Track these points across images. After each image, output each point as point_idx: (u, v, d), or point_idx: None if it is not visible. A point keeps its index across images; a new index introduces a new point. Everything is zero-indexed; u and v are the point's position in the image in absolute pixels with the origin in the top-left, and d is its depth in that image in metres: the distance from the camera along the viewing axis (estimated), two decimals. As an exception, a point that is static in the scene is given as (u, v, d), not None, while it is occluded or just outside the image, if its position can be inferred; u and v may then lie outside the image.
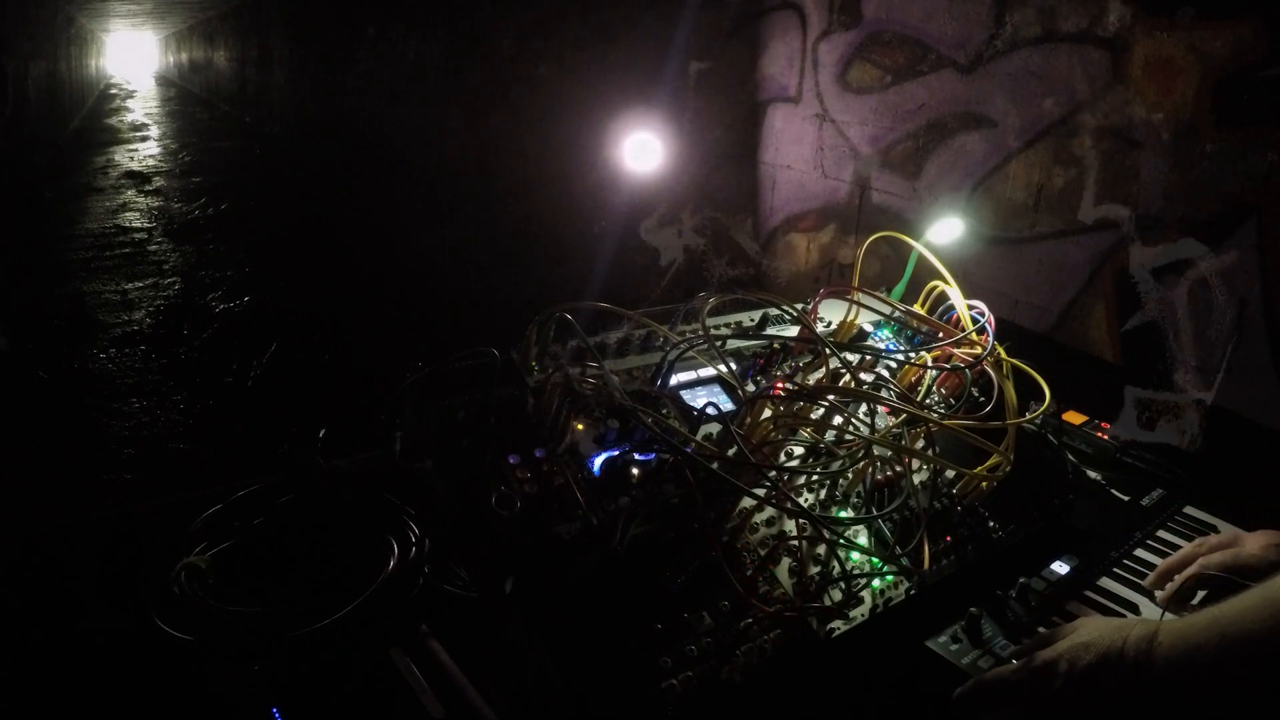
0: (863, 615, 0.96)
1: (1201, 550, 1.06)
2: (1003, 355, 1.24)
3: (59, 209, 8.33)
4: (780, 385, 1.11)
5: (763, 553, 0.95)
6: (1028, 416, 1.17)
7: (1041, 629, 0.97)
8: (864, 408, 1.17)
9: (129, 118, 17.86)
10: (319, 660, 0.81)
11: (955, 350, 1.28)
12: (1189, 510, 1.33)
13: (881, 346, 1.37)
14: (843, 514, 1.06)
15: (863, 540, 1.03)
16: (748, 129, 3.76)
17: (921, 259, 1.40)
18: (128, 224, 7.87)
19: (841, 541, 0.99)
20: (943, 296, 1.35)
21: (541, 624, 0.81)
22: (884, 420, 1.19)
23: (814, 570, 0.97)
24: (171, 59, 30.73)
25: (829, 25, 3.24)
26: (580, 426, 0.99)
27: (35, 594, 0.92)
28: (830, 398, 1.10)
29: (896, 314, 1.38)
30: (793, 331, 1.31)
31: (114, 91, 25.51)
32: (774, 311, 1.32)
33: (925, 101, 2.86)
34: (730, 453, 0.98)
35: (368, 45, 8.73)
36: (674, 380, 1.13)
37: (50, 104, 11.48)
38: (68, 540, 0.99)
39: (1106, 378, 2.30)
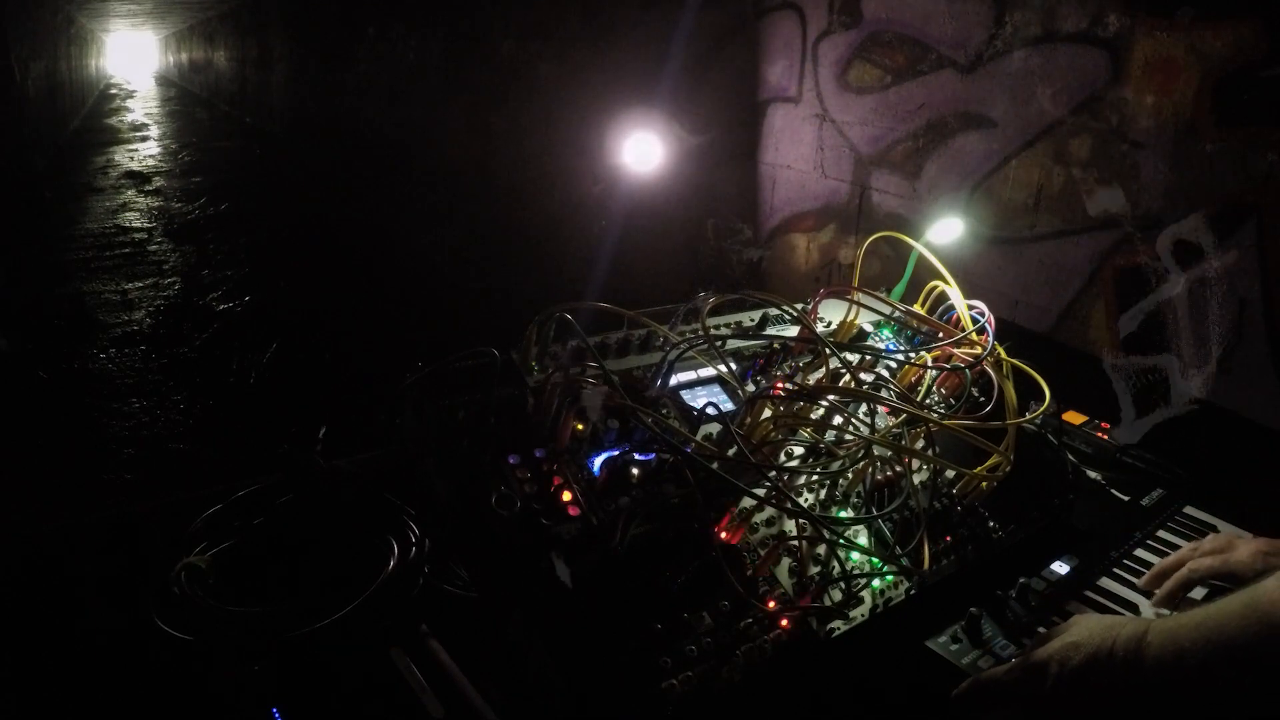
0: (863, 615, 0.96)
1: (1196, 555, 1.07)
2: (1003, 355, 1.24)
3: (59, 209, 8.33)
4: (780, 385, 1.11)
5: (763, 552, 0.95)
6: (1028, 416, 1.17)
7: (1041, 629, 0.97)
8: (864, 408, 1.17)
9: (129, 118, 17.87)
10: (319, 660, 0.81)
11: (955, 350, 1.28)
12: (1189, 510, 1.33)
13: (881, 346, 1.37)
14: (843, 514, 1.06)
15: (863, 540, 1.03)
16: (748, 129, 3.76)
17: (921, 259, 1.40)
18: (128, 224, 7.87)
19: (841, 542, 0.99)
20: (943, 296, 1.35)
21: (541, 624, 0.81)
22: (884, 420, 1.19)
23: (814, 570, 0.97)
24: (171, 59, 30.73)
25: (829, 25, 3.24)
26: (580, 426, 0.99)
27: (35, 594, 0.92)
28: (830, 398, 1.10)
29: (896, 314, 1.38)
30: (793, 331, 1.31)
31: (114, 91, 25.51)
32: (774, 311, 1.32)
33: (925, 101, 2.86)
34: (730, 453, 0.98)
35: (368, 45, 8.73)
36: (674, 380, 1.13)
37: (50, 104, 11.48)
38: (68, 540, 0.99)
39: (1106, 378, 2.30)
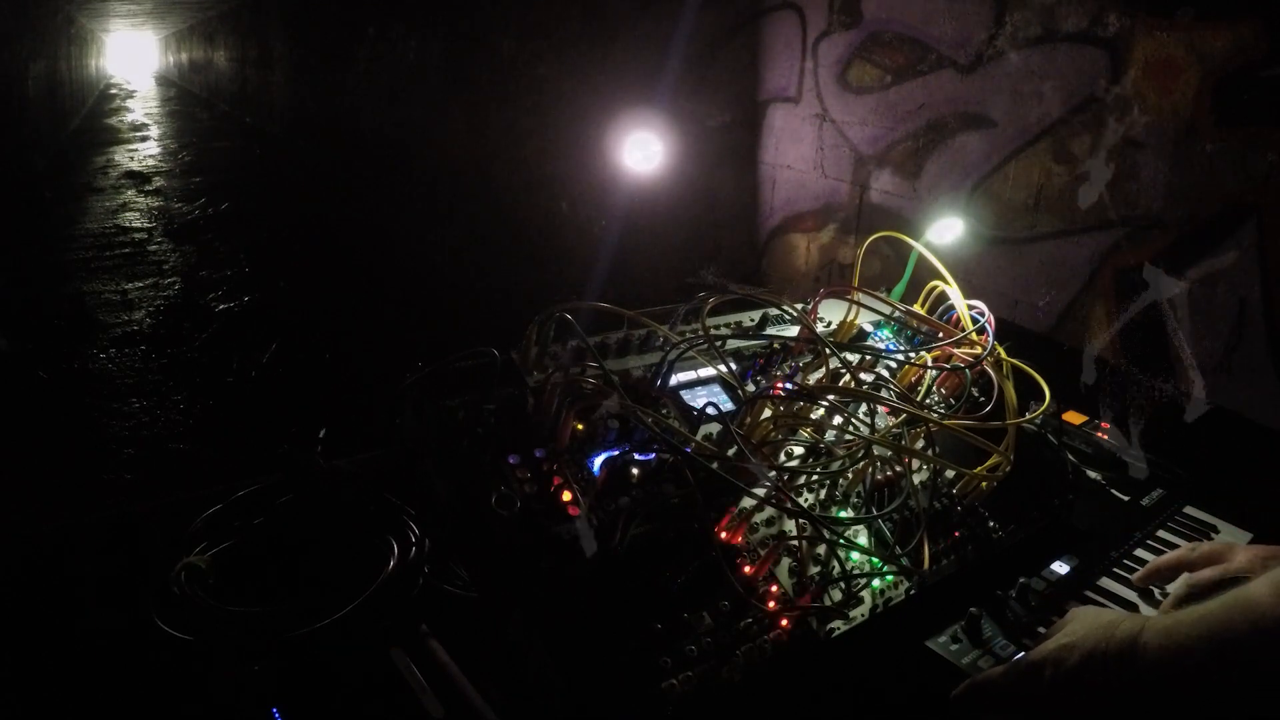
0: (863, 615, 0.96)
1: (1193, 556, 1.06)
2: (1003, 355, 1.24)
3: (59, 209, 8.33)
4: (780, 385, 1.11)
5: (763, 552, 0.95)
6: (1028, 416, 1.17)
7: (1042, 629, 0.97)
8: (864, 408, 1.17)
9: (129, 118, 17.87)
10: (319, 660, 0.81)
11: (955, 350, 1.28)
12: (1189, 510, 1.33)
13: (881, 346, 1.37)
14: (843, 514, 1.06)
15: (863, 540, 1.04)
16: (748, 129, 3.76)
17: (921, 259, 1.40)
18: (128, 224, 7.87)
19: (841, 541, 0.99)
20: (943, 296, 1.35)
21: (541, 624, 0.81)
22: (884, 420, 1.19)
23: (814, 570, 0.97)
24: (171, 59, 30.73)
25: (829, 25, 3.24)
26: (580, 426, 0.99)
27: (35, 594, 0.92)
28: (830, 398, 1.10)
29: (896, 314, 1.38)
30: (793, 331, 1.30)
31: (114, 91, 25.51)
32: (774, 311, 1.32)
33: (925, 101, 2.86)
34: (730, 453, 0.98)
35: (368, 45, 8.73)
36: (674, 380, 1.13)
37: (50, 104, 11.48)
38: (68, 540, 0.99)
39: (1106, 378, 2.30)
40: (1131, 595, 1.10)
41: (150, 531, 1.00)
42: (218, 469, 3.44)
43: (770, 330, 1.31)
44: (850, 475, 1.08)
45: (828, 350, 1.15)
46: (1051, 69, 2.41)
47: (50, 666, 0.83)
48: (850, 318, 1.34)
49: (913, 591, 1.01)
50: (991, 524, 1.14)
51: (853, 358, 1.24)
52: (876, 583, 0.99)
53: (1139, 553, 1.20)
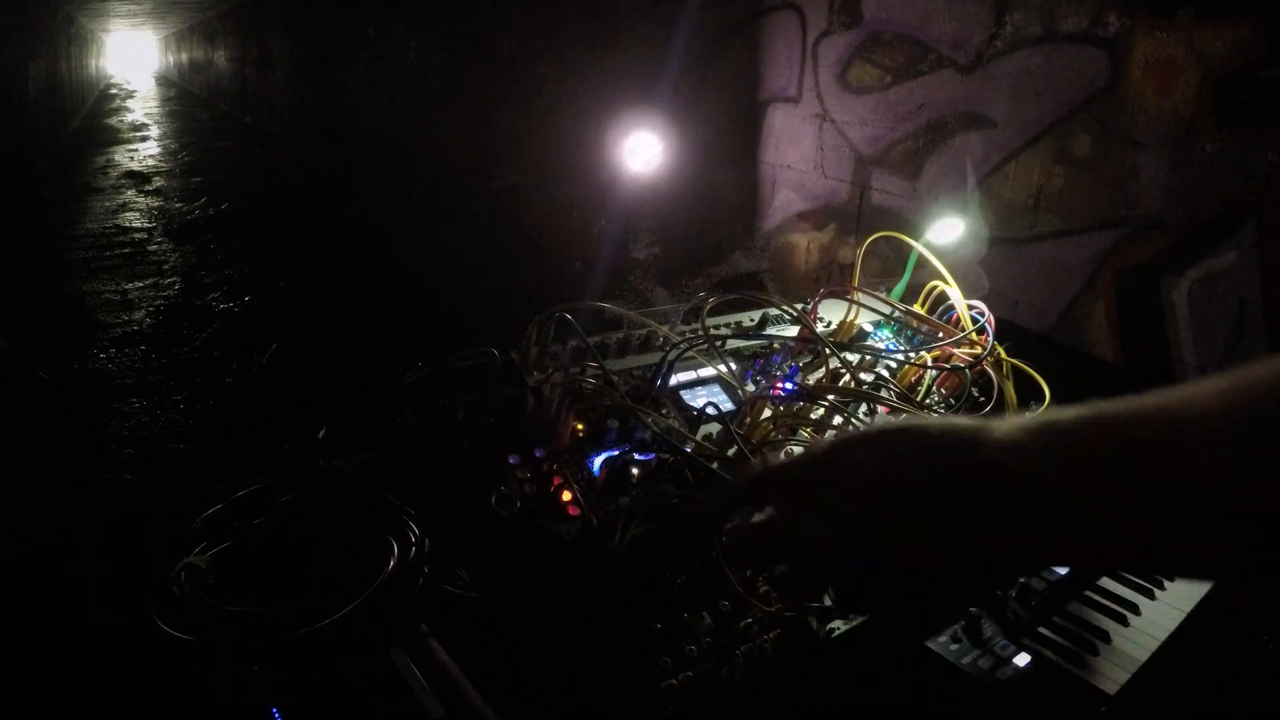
0: (863, 615, 0.96)
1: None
2: (1003, 355, 1.24)
3: (59, 209, 8.33)
4: (780, 385, 1.11)
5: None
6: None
7: (1042, 629, 0.97)
8: (864, 408, 1.17)
9: (129, 118, 17.87)
10: (319, 660, 0.81)
11: (955, 350, 1.28)
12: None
13: (881, 346, 1.37)
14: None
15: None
16: (748, 129, 3.76)
17: (921, 259, 1.40)
18: (128, 224, 7.87)
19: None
20: (943, 296, 1.35)
21: (541, 624, 0.81)
22: (883, 420, 1.19)
23: (814, 570, 0.97)
24: (171, 59, 30.75)
25: (829, 25, 3.24)
26: (580, 426, 0.99)
27: (35, 594, 0.92)
28: (830, 398, 1.10)
29: (896, 314, 1.38)
30: (793, 331, 1.31)
31: (114, 91, 25.52)
32: (774, 311, 1.32)
33: (925, 101, 2.86)
34: (730, 452, 0.98)
35: (367, 45, 8.73)
36: (674, 380, 1.13)
37: (50, 104, 11.49)
38: (68, 540, 0.99)
39: (1106, 378, 2.31)
40: (1133, 595, 1.10)
41: (150, 531, 1.00)
42: (218, 469, 3.44)
43: (770, 330, 1.31)
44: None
45: (828, 350, 1.15)
46: (1051, 69, 2.41)
47: (50, 666, 0.83)
48: (850, 318, 1.34)
49: (913, 591, 1.01)
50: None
51: (853, 358, 1.24)
52: (876, 583, 0.99)
53: (1139, 553, 1.19)
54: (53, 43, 11.96)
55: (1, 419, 3.76)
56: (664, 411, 1.05)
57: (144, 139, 14.32)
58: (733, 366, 1.08)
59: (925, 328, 1.37)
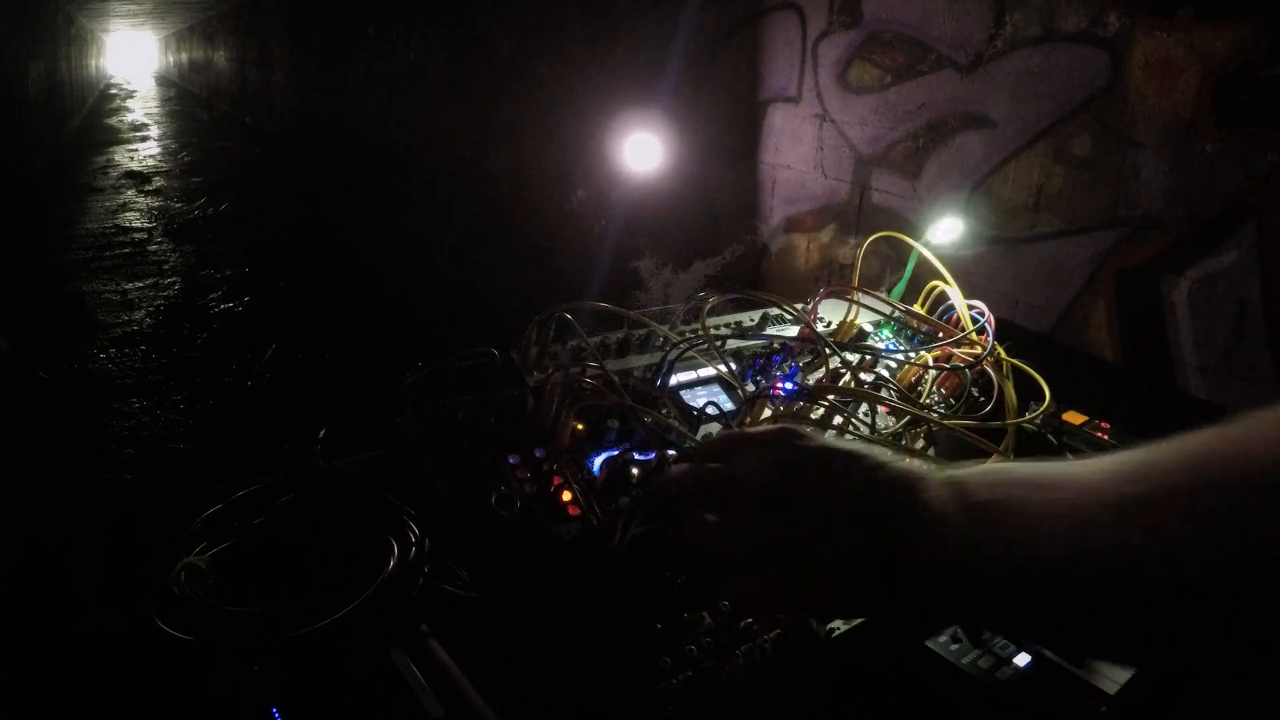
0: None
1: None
2: (1003, 355, 1.24)
3: (59, 209, 8.33)
4: (780, 385, 1.11)
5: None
6: (1028, 416, 1.17)
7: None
8: (864, 408, 1.17)
9: (129, 118, 17.87)
10: (319, 660, 0.81)
11: (955, 350, 1.28)
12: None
13: (881, 346, 1.37)
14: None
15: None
16: (748, 129, 3.76)
17: (921, 259, 1.40)
18: (128, 224, 7.87)
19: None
20: (943, 296, 1.35)
21: (541, 624, 0.81)
22: (884, 420, 1.19)
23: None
24: (171, 59, 30.74)
25: (829, 25, 3.24)
26: (580, 426, 0.99)
27: (35, 594, 0.92)
28: (830, 398, 1.10)
29: (896, 314, 1.38)
30: (793, 331, 1.31)
31: (114, 91, 25.52)
32: (774, 311, 1.32)
33: (925, 101, 2.86)
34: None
35: (368, 45, 8.73)
36: (674, 380, 1.13)
37: (50, 104, 11.49)
38: (68, 540, 0.99)
39: (1106, 377, 2.31)
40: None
41: (150, 531, 1.00)
42: (218, 469, 3.44)
43: (770, 330, 1.31)
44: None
45: (828, 350, 1.15)
46: (1051, 69, 2.41)
47: (50, 666, 0.83)
48: (850, 318, 1.35)
49: (913, 591, 1.01)
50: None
51: (853, 358, 1.24)
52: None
53: (1139, 553, 1.20)
54: (53, 43, 11.96)
55: (1, 419, 3.76)
56: (664, 411, 1.05)
57: (144, 139, 14.32)
58: (733, 366, 1.08)
59: (925, 328, 1.37)
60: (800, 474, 0.56)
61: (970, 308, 1.29)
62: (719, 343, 1.12)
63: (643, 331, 1.18)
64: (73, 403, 4.11)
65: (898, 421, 1.15)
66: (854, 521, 0.52)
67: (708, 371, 1.18)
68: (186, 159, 11.94)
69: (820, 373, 1.18)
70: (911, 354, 1.32)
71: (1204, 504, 0.43)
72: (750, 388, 1.16)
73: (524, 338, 1.06)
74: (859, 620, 0.96)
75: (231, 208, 8.48)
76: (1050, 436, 1.31)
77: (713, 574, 0.59)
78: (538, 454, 0.96)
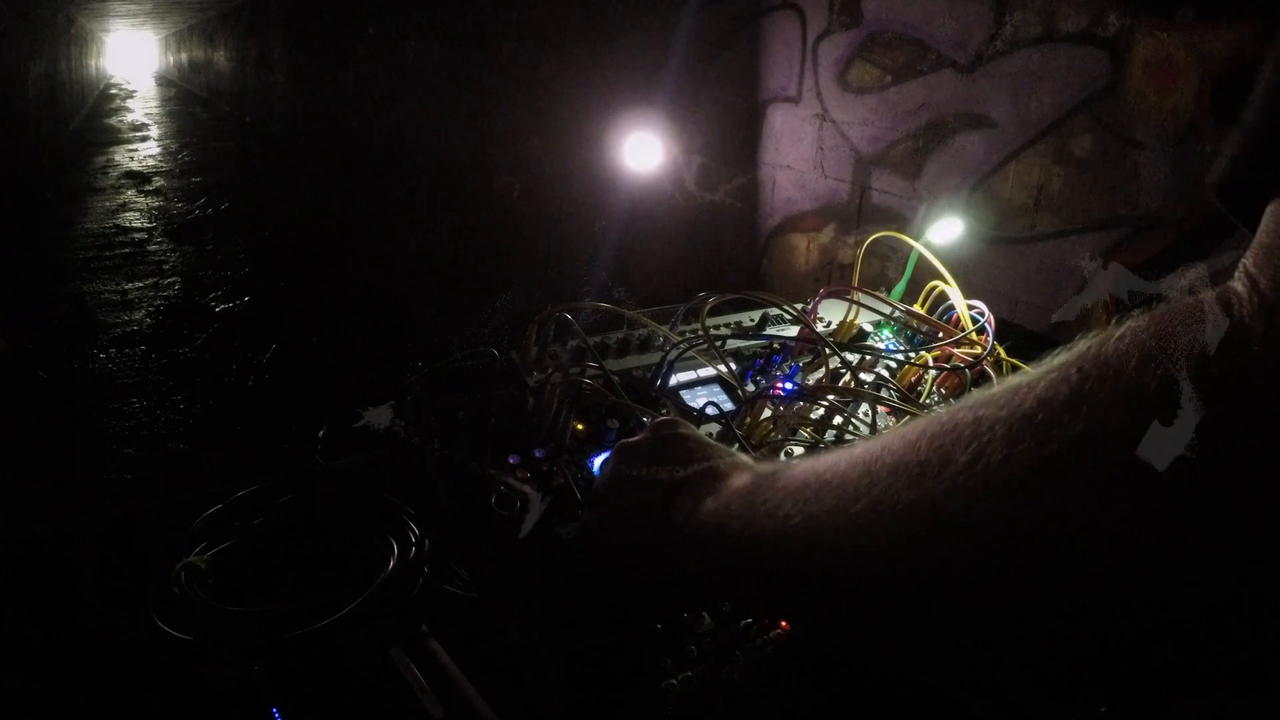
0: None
1: None
2: (1003, 355, 1.24)
3: (59, 209, 8.33)
4: (780, 385, 1.11)
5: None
6: (1028, 416, 1.16)
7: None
8: (864, 408, 1.17)
9: (129, 118, 17.87)
10: (319, 660, 0.81)
11: (955, 350, 1.28)
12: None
13: (881, 346, 1.37)
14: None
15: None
16: (748, 129, 3.76)
17: (921, 259, 1.40)
18: (128, 224, 7.87)
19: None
20: (943, 296, 1.35)
21: (541, 624, 0.81)
22: (884, 420, 1.19)
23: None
24: (171, 59, 30.74)
25: (829, 25, 3.24)
26: (580, 426, 0.99)
27: (35, 594, 0.92)
28: (830, 398, 1.10)
29: (896, 314, 1.38)
30: (793, 331, 1.31)
31: (114, 91, 25.52)
32: (774, 311, 1.32)
33: (925, 101, 2.86)
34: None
35: (367, 45, 8.74)
36: (674, 380, 1.13)
37: (50, 104, 11.48)
38: (68, 540, 0.99)
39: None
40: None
41: (150, 531, 1.00)
42: (218, 469, 3.44)
43: (770, 330, 1.31)
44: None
45: (828, 350, 1.15)
46: (1051, 69, 2.41)
47: (50, 667, 0.83)
48: (850, 318, 1.35)
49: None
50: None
51: (853, 358, 1.24)
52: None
53: (1139, 553, 1.20)
54: (53, 43, 11.96)
55: (1, 419, 3.76)
56: (664, 411, 1.05)
57: (144, 139, 14.32)
58: (733, 366, 1.08)
59: (925, 328, 1.37)
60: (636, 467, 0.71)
61: (970, 308, 1.29)
62: (719, 343, 1.12)
63: (643, 331, 1.18)
64: (73, 403, 4.11)
65: (898, 421, 1.15)
66: (635, 518, 0.68)
67: (708, 371, 1.18)
68: (186, 159, 11.94)
69: (820, 373, 1.18)
70: (911, 354, 1.32)
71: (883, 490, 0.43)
72: (750, 388, 1.16)
73: (524, 338, 1.06)
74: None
75: (231, 208, 8.48)
76: (1050, 436, 1.30)
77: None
78: (538, 454, 0.96)
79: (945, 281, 1.34)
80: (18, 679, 0.82)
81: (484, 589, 0.90)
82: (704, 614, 0.87)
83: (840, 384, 1.18)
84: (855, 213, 3.26)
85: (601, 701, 0.77)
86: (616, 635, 0.82)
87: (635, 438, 0.77)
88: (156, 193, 9.43)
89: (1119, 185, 2.27)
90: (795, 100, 3.48)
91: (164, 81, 31.24)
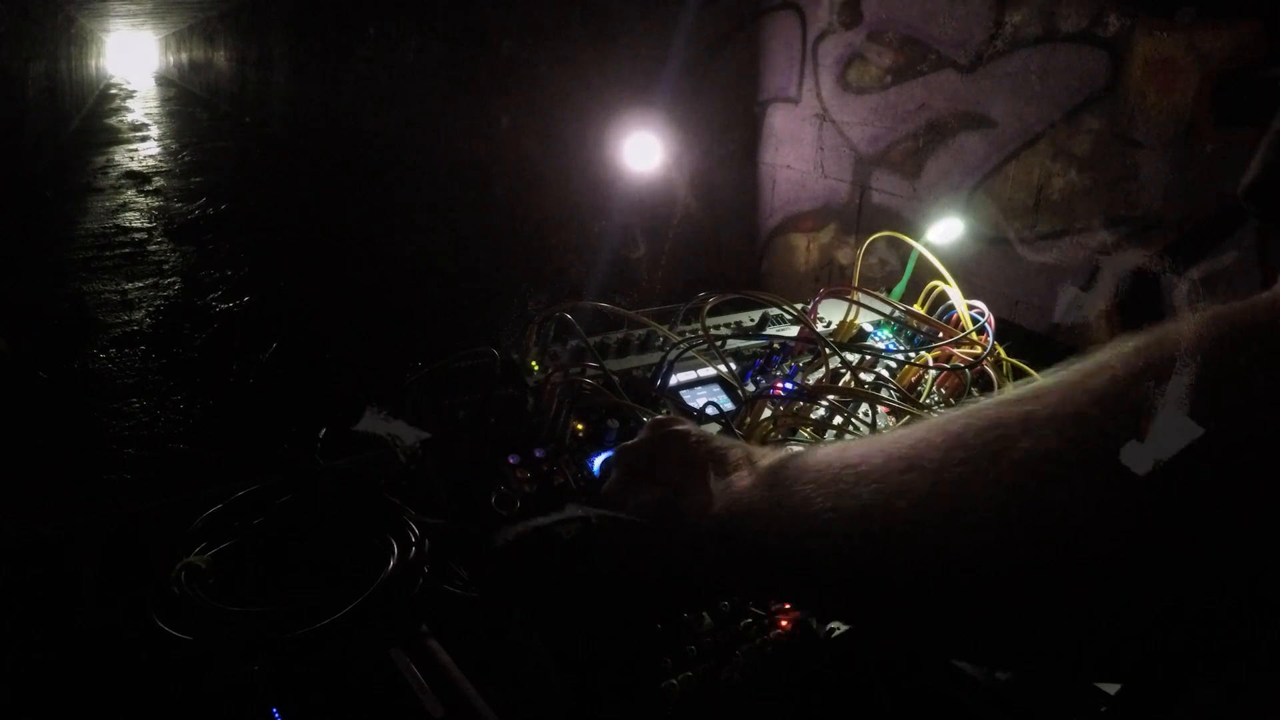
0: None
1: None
2: (1003, 355, 1.24)
3: (59, 209, 8.33)
4: (780, 385, 1.11)
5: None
6: (1028, 416, 1.16)
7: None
8: (864, 408, 1.17)
9: (129, 118, 17.86)
10: (319, 660, 0.81)
11: (955, 350, 1.28)
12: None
13: (881, 346, 1.37)
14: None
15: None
16: (748, 129, 3.76)
17: (921, 259, 1.40)
18: (128, 224, 7.87)
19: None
20: (943, 296, 1.35)
21: (541, 624, 0.81)
22: (884, 420, 1.19)
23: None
24: (171, 59, 30.73)
25: (829, 25, 3.24)
26: (580, 426, 0.99)
27: (35, 594, 0.92)
28: (830, 398, 1.10)
29: (896, 314, 1.38)
30: (793, 331, 1.31)
31: (114, 91, 25.51)
32: (774, 311, 1.32)
33: (925, 101, 2.86)
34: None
35: (368, 45, 8.74)
36: (674, 380, 1.13)
37: (50, 104, 11.48)
38: (68, 540, 0.99)
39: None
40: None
41: (150, 531, 1.00)
42: (218, 469, 3.44)
43: (770, 330, 1.31)
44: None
45: (828, 350, 1.15)
46: (1051, 69, 2.41)
47: (50, 667, 0.83)
48: (850, 318, 1.35)
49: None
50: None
51: (853, 358, 1.24)
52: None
53: (1139, 553, 1.20)
54: (53, 43, 11.95)
55: (1, 419, 3.76)
56: (664, 411, 1.05)
57: (144, 139, 14.32)
58: (733, 366, 1.08)
59: (925, 328, 1.37)
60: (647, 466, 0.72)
61: (970, 308, 1.29)
62: (719, 343, 1.12)
63: (643, 331, 1.18)
64: (73, 403, 4.11)
65: (898, 422, 1.15)
66: (646, 517, 0.68)
67: (708, 371, 1.18)
68: (186, 159, 11.94)
69: (820, 373, 1.17)
70: (911, 354, 1.32)
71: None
72: (750, 388, 1.16)
73: (524, 338, 1.06)
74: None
75: (231, 208, 8.48)
76: (1050, 436, 1.30)
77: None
78: (538, 454, 0.96)
79: (945, 281, 1.34)
80: (18, 679, 0.82)
81: (484, 589, 0.90)
82: (704, 614, 0.87)
83: (840, 384, 1.18)
84: (855, 213, 3.26)
85: (601, 701, 0.77)
86: (616, 635, 0.82)
87: (634, 440, 0.77)
88: (156, 193, 9.42)
89: (1119, 185, 2.27)
90: (795, 100, 3.48)
91: (164, 81, 31.24)
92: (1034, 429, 0.40)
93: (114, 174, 10.46)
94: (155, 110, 20.35)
